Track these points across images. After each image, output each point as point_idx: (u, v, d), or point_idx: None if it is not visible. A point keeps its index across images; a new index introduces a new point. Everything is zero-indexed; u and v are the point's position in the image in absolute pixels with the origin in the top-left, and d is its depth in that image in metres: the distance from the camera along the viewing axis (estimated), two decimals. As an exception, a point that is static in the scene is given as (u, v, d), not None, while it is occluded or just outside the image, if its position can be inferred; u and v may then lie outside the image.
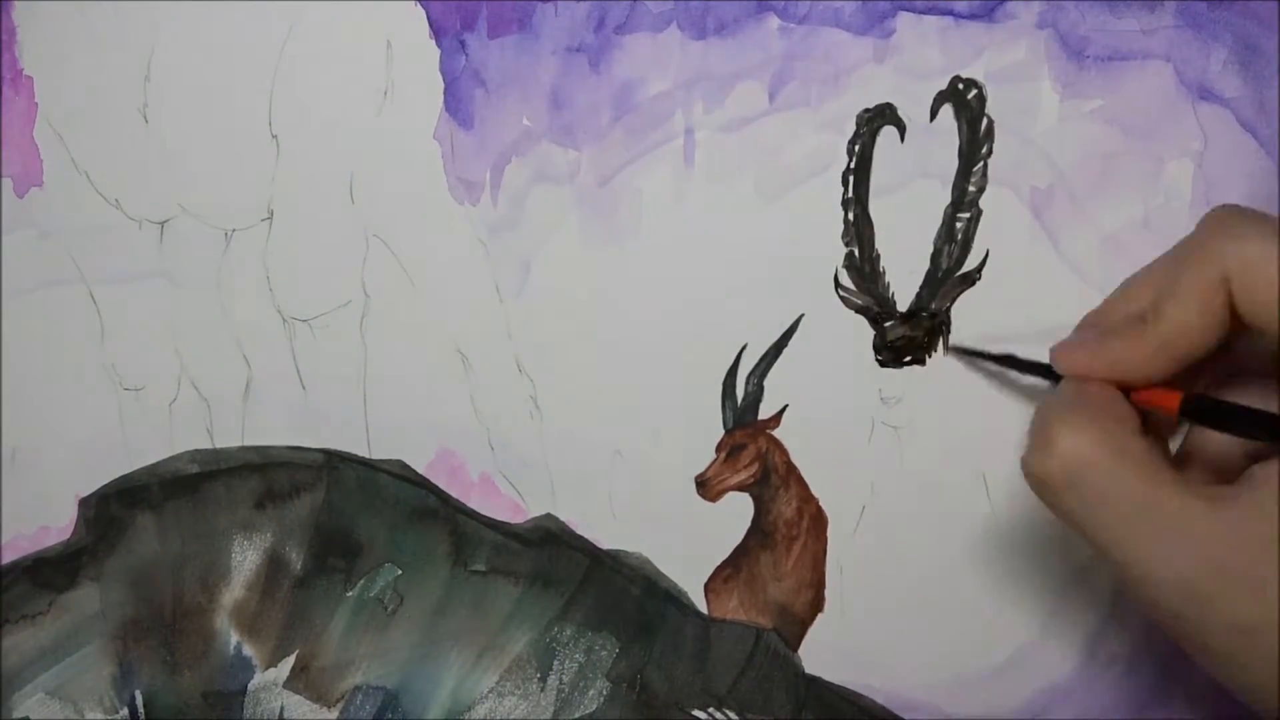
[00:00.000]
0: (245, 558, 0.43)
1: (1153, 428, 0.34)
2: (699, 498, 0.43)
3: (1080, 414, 0.32)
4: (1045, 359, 0.35)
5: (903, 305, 0.41)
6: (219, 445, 0.43)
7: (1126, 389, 0.33)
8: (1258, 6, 0.38)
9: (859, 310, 0.41)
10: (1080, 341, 0.34)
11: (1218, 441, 0.35)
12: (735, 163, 0.41)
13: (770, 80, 0.40)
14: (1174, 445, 0.36)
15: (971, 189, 0.40)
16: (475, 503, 0.44)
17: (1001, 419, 0.40)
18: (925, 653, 0.43)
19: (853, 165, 0.40)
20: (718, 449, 0.43)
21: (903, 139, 0.40)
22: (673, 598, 0.43)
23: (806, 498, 0.42)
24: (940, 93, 0.40)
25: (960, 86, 0.40)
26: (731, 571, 0.43)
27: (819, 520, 0.43)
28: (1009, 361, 0.39)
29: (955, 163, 0.40)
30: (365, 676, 0.43)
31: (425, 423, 0.43)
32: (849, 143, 0.40)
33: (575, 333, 0.42)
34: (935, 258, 0.41)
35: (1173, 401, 0.32)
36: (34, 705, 0.42)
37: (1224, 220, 0.32)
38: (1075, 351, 0.34)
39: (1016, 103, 0.39)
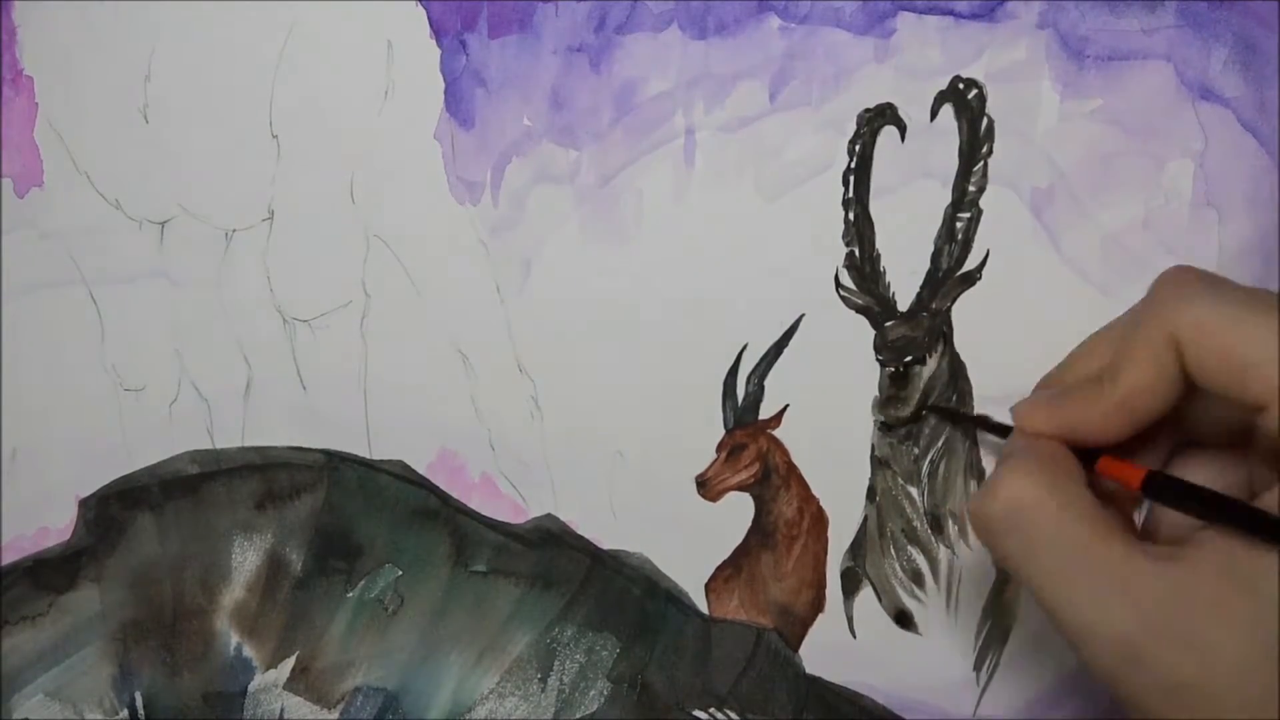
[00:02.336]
0: (245, 559, 0.43)
1: (1114, 497, 0.34)
2: (699, 498, 0.43)
3: (1027, 461, 0.32)
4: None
5: (903, 305, 0.41)
6: (219, 445, 0.43)
7: (1090, 454, 0.33)
8: (1258, 6, 0.38)
9: (859, 310, 0.41)
10: (1039, 401, 0.34)
11: (1178, 515, 0.34)
12: (735, 163, 0.41)
13: (771, 80, 0.40)
14: (1138, 518, 0.36)
15: (972, 189, 0.40)
16: (476, 503, 0.43)
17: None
18: (925, 653, 0.43)
19: (853, 165, 0.40)
20: (718, 449, 0.42)
21: (903, 139, 0.40)
22: (673, 598, 0.43)
23: (807, 498, 0.42)
24: (940, 92, 0.40)
25: (961, 86, 0.40)
26: (732, 571, 0.43)
27: (820, 520, 0.43)
28: (982, 424, 0.40)
29: (955, 163, 0.40)
30: (366, 678, 0.43)
31: (426, 423, 0.43)
32: (849, 142, 0.40)
33: (575, 333, 0.42)
34: (936, 258, 0.40)
35: (1136, 477, 0.32)
36: (34, 706, 0.42)
37: (1175, 281, 0.31)
38: (1034, 411, 0.34)
39: (1017, 103, 0.39)
